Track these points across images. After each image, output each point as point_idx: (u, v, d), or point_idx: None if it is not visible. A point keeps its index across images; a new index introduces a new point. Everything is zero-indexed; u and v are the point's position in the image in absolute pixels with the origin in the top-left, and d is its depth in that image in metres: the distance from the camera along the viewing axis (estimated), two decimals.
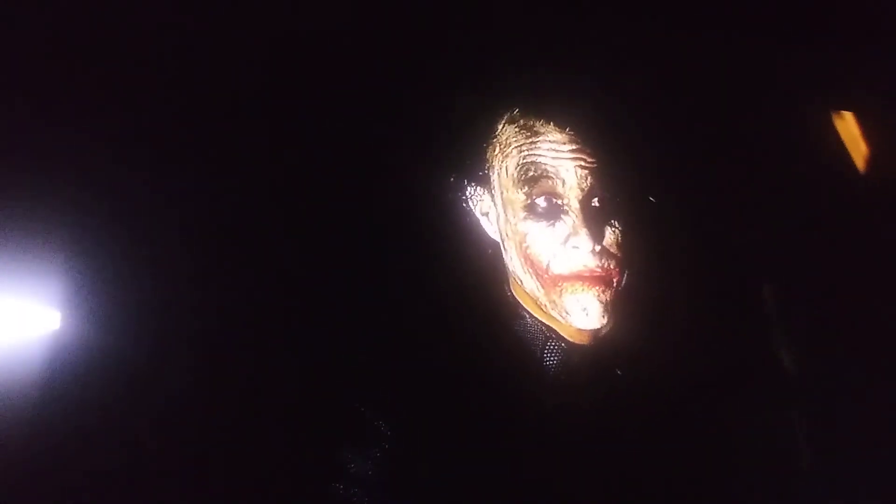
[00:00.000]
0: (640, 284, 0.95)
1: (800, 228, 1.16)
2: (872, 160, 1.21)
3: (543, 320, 0.97)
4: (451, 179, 0.97)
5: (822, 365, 1.05)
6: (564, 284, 0.90)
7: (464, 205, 0.98)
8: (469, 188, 0.97)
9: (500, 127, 0.91)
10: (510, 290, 1.00)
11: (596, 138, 0.88)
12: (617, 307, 0.93)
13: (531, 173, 0.89)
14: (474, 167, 0.95)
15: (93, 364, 0.94)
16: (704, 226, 1.09)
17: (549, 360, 0.96)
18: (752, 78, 1.17)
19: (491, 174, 0.94)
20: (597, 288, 0.89)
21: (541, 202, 0.89)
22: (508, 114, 0.91)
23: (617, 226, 0.90)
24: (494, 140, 0.92)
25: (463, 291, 0.98)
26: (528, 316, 0.98)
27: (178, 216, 0.99)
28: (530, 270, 0.92)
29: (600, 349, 0.97)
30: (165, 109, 0.99)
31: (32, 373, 0.91)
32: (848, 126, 1.22)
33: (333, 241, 1.03)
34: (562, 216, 0.89)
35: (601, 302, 0.90)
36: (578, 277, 0.90)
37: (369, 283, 1.01)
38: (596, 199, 0.89)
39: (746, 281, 1.07)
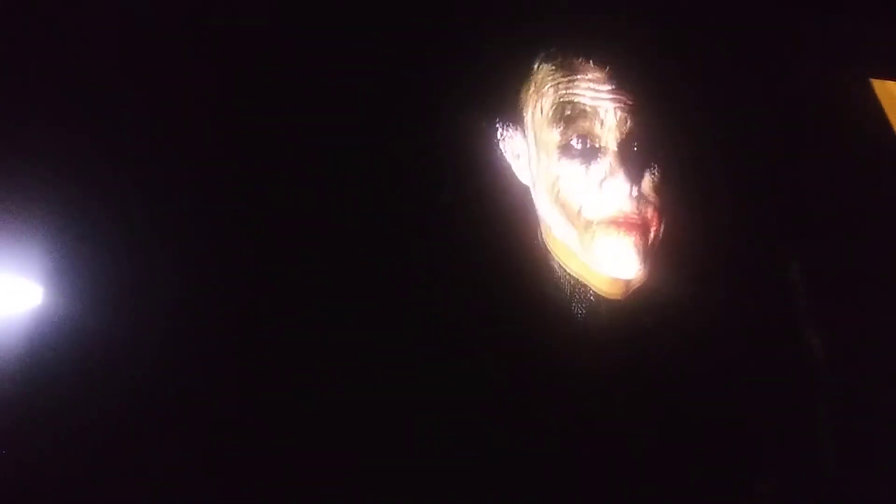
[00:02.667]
0: (679, 237, 0.91)
1: (838, 198, 1.10)
2: None
3: (574, 271, 0.93)
4: (484, 120, 0.94)
5: (851, 350, 1.00)
6: (598, 229, 0.86)
7: (496, 146, 0.94)
8: (501, 129, 0.93)
9: (536, 65, 0.88)
10: (541, 238, 0.95)
11: (636, 78, 0.85)
12: (653, 259, 0.88)
13: (567, 112, 0.85)
14: (508, 106, 0.92)
15: (74, 340, 0.92)
16: (746, 182, 1.03)
17: (579, 313, 0.93)
18: (795, 41, 1.13)
19: (525, 114, 0.90)
20: (632, 234, 0.85)
21: (576, 143, 0.86)
22: (545, 51, 0.88)
23: (656, 171, 0.86)
24: (530, 78, 0.89)
25: (492, 238, 0.95)
26: (557, 267, 0.94)
27: (163, 193, 0.97)
28: (563, 215, 0.88)
29: (632, 304, 0.93)
30: (151, 82, 0.97)
31: (13, 348, 0.91)
32: (892, 96, 1.14)
33: (355, 184, 0.99)
34: (598, 158, 0.86)
35: (636, 249, 0.85)
36: (613, 222, 0.86)
37: (394, 228, 0.98)
38: (635, 142, 0.85)
39: (785, 249, 1.02)
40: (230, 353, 0.94)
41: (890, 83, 1.14)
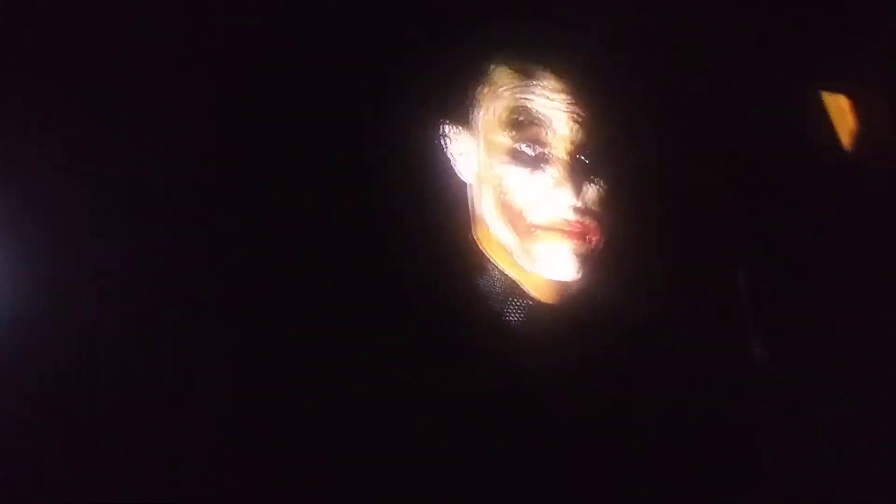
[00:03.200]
0: (617, 250, 0.90)
1: (788, 210, 1.09)
2: (864, 144, 1.12)
3: (509, 272, 0.92)
4: (431, 116, 0.92)
5: (797, 355, 1.00)
6: (539, 233, 0.86)
7: (439, 142, 0.93)
8: (448, 126, 0.92)
9: (493, 66, 0.88)
10: (476, 238, 0.94)
11: (592, 92, 0.85)
12: (590, 268, 0.88)
13: (520, 118, 0.85)
14: (457, 104, 0.90)
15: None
16: (691, 199, 1.03)
17: (511, 317, 0.92)
18: (753, 51, 1.11)
19: (476, 114, 0.89)
20: (573, 241, 0.86)
21: (526, 149, 0.86)
22: (503, 54, 0.87)
23: (602, 184, 0.86)
24: (485, 79, 0.88)
25: (423, 234, 0.93)
26: (490, 267, 0.93)
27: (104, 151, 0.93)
28: (505, 216, 0.88)
29: (566, 309, 0.92)
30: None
31: None
32: (840, 108, 1.14)
33: (286, 172, 0.96)
34: (546, 166, 0.85)
35: (575, 255, 0.86)
36: (555, 229, 0.86)
37: (325, 219, 0.95)
38: (583, 154, 0.85)
39: (729, 262, 1.02)
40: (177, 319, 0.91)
41: (839, 96, 1.14)
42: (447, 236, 0.94)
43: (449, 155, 0.93)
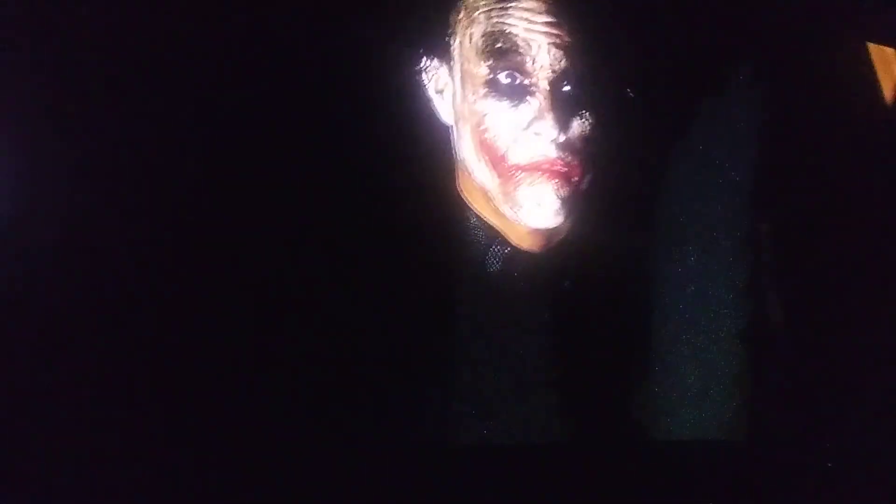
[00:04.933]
0: (604, 192, 0.85)
1: (803, 164, 0.99)
2: None
3: (491, 220, 0.88)
4: (407, 49, 0.87)
5: (806, 314, 0.93)
6: (521, 174, 0.80)
7: (417, 79, 0.88)
8: (425, 60, 0.86)
9: None
10: (458, 184, 0.90)
11: (578, 13, 0.78)
12: (575, 212, 0.83)
13: (498, 44, 0.78)
14: (434, 34, 0.85)
15: None
16: (691, 141, 0.95)
17: (493, 266, 0.88)
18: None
19: (453, 42, 0.84)
20: (555, 181, 0.79)
21: (505, 78, 0.79)
22: None
23: (587, 117, 0.79)
24: (461, 2, 0.82)
25: (404, 182, 0.89)
26: (473, 216, 0.89)
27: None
28: (485, 157, 0.82)
29: (550, 259, 0.88)
30: None
31: None
32: (883, 61, 1.05)
33: (260, 119, 0.92)
34: (527, 97, 0.79)
35: (558, 197, 0.80)
36: (537, 168, 0.80)
37: (300, 167, 0.91)
38: (567, 84, 0.79)
39: (730, 210, 0.94)
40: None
41: (887, 49, 1.06)
42: (427, 186, 0.89)
43: (429, 94, 0.88)
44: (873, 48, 1.05)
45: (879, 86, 1.05)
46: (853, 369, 0.91)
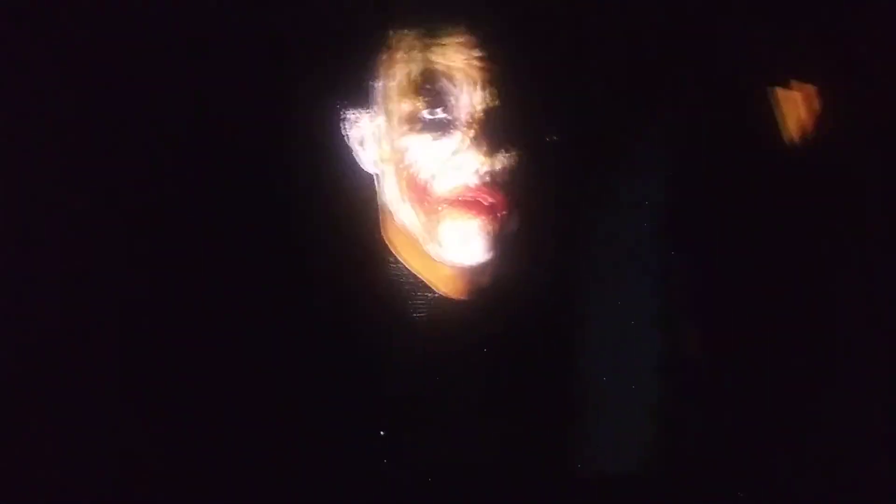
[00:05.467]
0: (528, 231, 0.86)
1: (729, 195, 1.03)
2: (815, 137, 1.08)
3: (416, 267, 0.88)
4: (328, 101, 0.88)
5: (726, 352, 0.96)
6: (444, 209, 0.81)
7: (339, 131, 0.89)
8: (347, 110, 0.87)
9: (392, 31, 0.83)
10: (382, 232, 0.90)
11: (503, 51, 0.80)
12: (499, 251, 0.83)
13: (421, 80, 0.80)
14: (356, 81, 0.86)
15: None
16: (611, 176, 0.98)
17: (417, 315, 0.88)
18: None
19: (376, 85, 0.84)
20: (480, 217, 0.80)
21: (428, 114, 0.81)
22: (406, 16, 0.83)
23: (511, 152, 0.80)
24: (384, 44, 0.83)
25: (327, 234, 0.89)
26: (395, 262, 0.89)
27: None
28: (409, 195, 0.83)
29: (475, 305, 0.88)
30: None
31: None
32: (792, 102, 1.11)
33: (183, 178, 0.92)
34: (449, 130, 0.80)
35: (483, 233, 0.81)
36: (461, 202, 0.80)
37: (224, 228, 0.91)
38: (492, 118, 0.80)
39: (653, 246, 0.97)
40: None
41: (792, 91, 1.11)
42: (351, 235, 0.90)
43: (351, 144, 0.89)
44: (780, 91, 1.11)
45: (785, 123, 1.10)
46: (775, 395, 0.93)
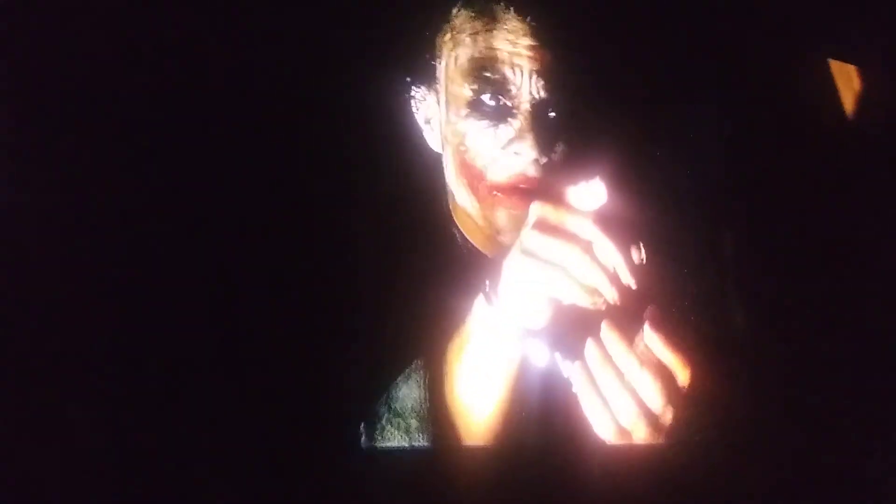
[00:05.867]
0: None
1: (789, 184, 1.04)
2: (868, 115, 1.09)
3: (479, 244, 0.88)
4: (398, 78, 0.88)
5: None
6: (500, 197, 0.81)
7: (408, 108, 0.89)
8: (414, 88, 0.87)
9: (455, 10, 0.82)
10: (448, 209, 0.91)
11: (561, 37, 0.79)
12: None
13: (482, 65, 0.79)
14: (421, 59, 0.85)
15: None
16: (673, 164, 0.98)
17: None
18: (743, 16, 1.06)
19: (439, 65, 0.84)
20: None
21: (487, 99, 0.80)
22: None
23: (572, 139, 0.80)
24: (447, 25, 0.82)
25: (398, 210, 0.90)
26: (459, 235, 0.89)
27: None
28: (464, 179, 0.83)
29: None
30: None
31: None
32: (845, 78, 1.11)
33: (253, 153, 0.93)
34: (508, 118, 0.79)
35: None
36: (515, 189, 0.80)
37: (295, 200, 0.93)
38: (549, 107, 0.79)
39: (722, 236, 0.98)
40: None
41: (848, 66, 1.11)
42: (421, 213, 0.91)
43: (420, 122, 0.89)
44: (834, 64, 1.11)
45: (840, 100, 1.11)
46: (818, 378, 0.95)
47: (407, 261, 0.89)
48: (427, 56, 0.85)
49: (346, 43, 0.91)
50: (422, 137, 0.90)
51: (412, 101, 0.89)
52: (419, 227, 0.90)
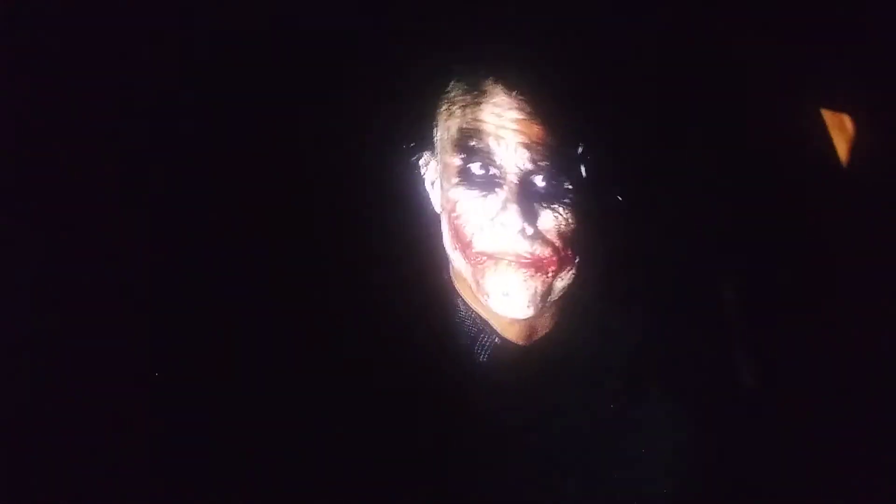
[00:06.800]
0: (586, 286, 0.87)
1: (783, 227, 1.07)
2: (863, 161, 1.11)
3: (479, 310, 0.89)
4: (406, 146, 0.88)
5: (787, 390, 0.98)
6: (487, 262, 0.82)
7: (415, 172, 0.90)
8: (419, 153, 0.88)
9: (452, 82, 0.83)
10: (449, 274, 0.92)
11: (546, 112, 0.78)
12: (556, 305, 0.86)
13: (470, 136, 0.80)
14: (423, 127, 0.86)
15: None
16: (668, 226, 1.01)
17: (481, 356, 0.89)
18: (733, 70, 1.08)
19: (435, 134, 0.85)
20: (524, 271, 0.81)
21: (476, 169, 0.81)
22: (460, 68, 0.82)
23: (561, 212, 0.80)
24: (444, 97, 0.83)
25: (399, 274, 0.91)
26: (462, 305, 0.90)
27: None
28: (457, 244, 0.84)
29: (536, 351, 0.89)
30: None
31: None
32: (837, 126, 1.14)
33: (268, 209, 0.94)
34: (495, 189, 0.80)
35: (528, 287, 0.81)
36: (503, 258, 0.81)
37: (305, 255, 0.94)
38: (537, 177, 0.80)
39: (708, 290, 1.01)
40: None
41: (841, 115, 1.14)
42: (420, 276, 0.91)
43: (426, 186, 0.90)
44: (828, 114, 1.14)
45: (835, 148, 1.13)
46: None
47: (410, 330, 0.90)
48: (428, 125, 0.86)
49: (362, 113, 0.92)
50: (428, 201, 0.91)
51: (419, 165, 0.89)
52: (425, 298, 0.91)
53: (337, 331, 0.89)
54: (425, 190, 0.90)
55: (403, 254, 0.91)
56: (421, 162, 0.89)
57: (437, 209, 0.89)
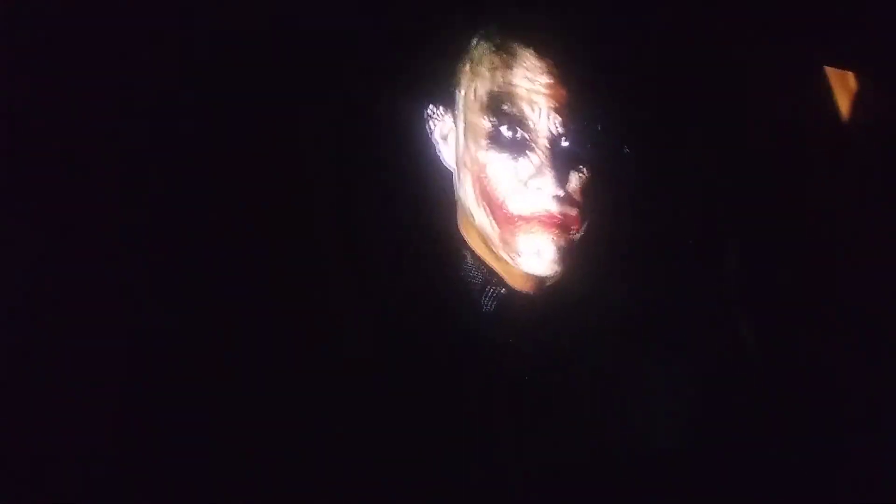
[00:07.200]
0: (597, 238, 0.88)
1: (775, 189, 1.09)
2: (862, 121, 1.11)
3: (488, 261, 0.91)
4: (416, 98, 0.90)
5: (784, 345, 1.00)
6: (520, 223, 0.83)
7: (425, 125, 0.91)
8: (431, 108, 0.89)
9: (474, 42, 0.84)
10: (458, 226, 0.93)
11: (577, 76, 0.80)
12: (571, 259, 0.86)
13: (501, 100, 0.81)
14: (442, 84, 0.87)
15: None
16: (677, 186, 1.03)
17: (487, 306, 0.91)
18: (742, 27, 1.09)
19: (458, 93, 0.86)
20: (554, 231, 0.83)
21: (506, 132, 0.82)
22: (486, 29, 0.83)
23: (584, 171, 0.82)
24: (466, 56, 0.84)
25: (406, 222, 0.93)
26: (470, 256, 0.91)
27: None
28: (485, 205, 0.85)
29: (543, 301, 0.91)
30: None
31: None
32: (840, 85, 1.14)
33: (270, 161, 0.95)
34: (527, 152, 0.82)
35: (556, 247, 0.83)
36: (536, 220, 0.83)
37: (305, 205, 0.95)
38: (566, 140, 0.82)
39: (719, 251, 1.01)
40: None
41: (846, 72, 1.13)
42: (428, 225, 0.93)
43: (433, 139, 0.91)
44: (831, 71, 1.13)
45: (838, 107, 1.13)
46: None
47: (417, 280, 0.91)
48: (447, 83, 0.87)
49: (373, 63, 0.94)
50: (436, 153, 0.92)
51: (431, 120, 0.90)
52: (432, 246, 0.92)
53: (347, 289, 0.91)
54: (435, 142, 0.91)
55: (411, 205, 0.93)
56: (434, 116, 0.90)
57: (448, 163, 0.90)
